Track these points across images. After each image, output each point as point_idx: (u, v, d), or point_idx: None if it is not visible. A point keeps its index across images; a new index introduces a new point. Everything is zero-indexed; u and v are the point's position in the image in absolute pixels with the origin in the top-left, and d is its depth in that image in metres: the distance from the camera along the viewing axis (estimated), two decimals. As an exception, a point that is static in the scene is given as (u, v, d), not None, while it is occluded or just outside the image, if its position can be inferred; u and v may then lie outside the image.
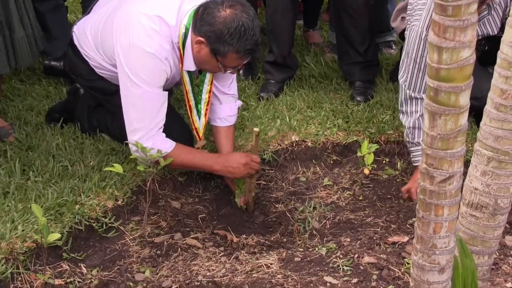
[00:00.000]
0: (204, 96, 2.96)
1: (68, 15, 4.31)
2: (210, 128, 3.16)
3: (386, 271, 2.48)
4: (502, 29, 2.97)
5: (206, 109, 3.00)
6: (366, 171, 3.03)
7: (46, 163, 2.98)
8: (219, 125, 3.07)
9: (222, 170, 2.87)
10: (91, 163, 3.01)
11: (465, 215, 1.95)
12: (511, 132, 1.79)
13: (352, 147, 3.30)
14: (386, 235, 2.73)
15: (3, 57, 3.11)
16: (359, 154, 3.01)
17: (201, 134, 3.04)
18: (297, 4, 3.84)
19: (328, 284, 2.42)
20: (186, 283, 2.45)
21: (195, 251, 2.66)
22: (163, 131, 2.82)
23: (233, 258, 2.61)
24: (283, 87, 3.83)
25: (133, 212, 2.87)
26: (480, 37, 2.92)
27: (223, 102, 3.08)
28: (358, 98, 3.66)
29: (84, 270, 2.51)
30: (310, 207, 2.95)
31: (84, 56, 3.06)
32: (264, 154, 3.23)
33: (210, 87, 2.97)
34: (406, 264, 2.49)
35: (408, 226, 2.79)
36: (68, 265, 2.51)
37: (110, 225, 2.73)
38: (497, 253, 2.55)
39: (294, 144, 3.31)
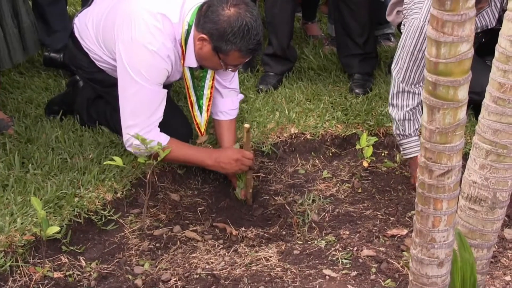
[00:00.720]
0: (206, 91, 2.97)
1: (67, 7, 4.29)
2: (210, 122, 3.16)
3: (385, 264, 2.48)
4: (500, 21, 2.96)
5: (208, 105, 3.00)
6: (365, 164, 3.03)
7: (45, 156, 2.98)
8: (221, 118, 3.07)
9: (214, 165, 2.88)
10: (90, 156, 3.01)
11: (464, 209, 1.96)
12: (509, 126, 1.79)
13: (351, 140, 3.30)
14: (385, 228, 2.74)
15: (5, 52, 3.11)
16: (358, 146, 3.01)
17: (203, 130, 3.04)
18: None
19: (327, 277, 2.43)
20: (185, 275, 2.45)
21: (194, 244, 2.67)
22: (163, 124, 2.83)
23: (232, 251, 2.62)
24: (282, 79, 3.83)
25: (132, 205, 2.88)
26: (478, 30, 2.91)
27: (225, 96, 3.08)
28: (357, 91, 3.66)
29: (83, 263, 2.51)
30: (309, 199, 2.95)
31: (85, 48, 3.05)
32: (263, 147, 3.23)
33: (212, 83, 2.97)
34: (405, 257, 2.50)
35: (407, 219, 2.79)
36: (67, 258, 2.52)
37: (109, 217, 2.74)
38: (496, 247, 2.56)
39: (293, 137, 3.31)
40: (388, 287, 2.36)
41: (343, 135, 3.32)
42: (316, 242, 2.66)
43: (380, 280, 2.39)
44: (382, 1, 4.10)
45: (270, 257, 2.56)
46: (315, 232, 2.74)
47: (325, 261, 2.53)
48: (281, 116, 3.41)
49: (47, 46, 3.93)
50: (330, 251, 2.58)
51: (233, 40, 2.62)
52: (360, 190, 3.03)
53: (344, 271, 2.46)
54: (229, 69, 2.81)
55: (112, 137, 3.17)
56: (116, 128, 3.14)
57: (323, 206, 2.91)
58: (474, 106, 3.06)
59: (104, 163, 2.82)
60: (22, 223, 2.51)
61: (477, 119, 1.90)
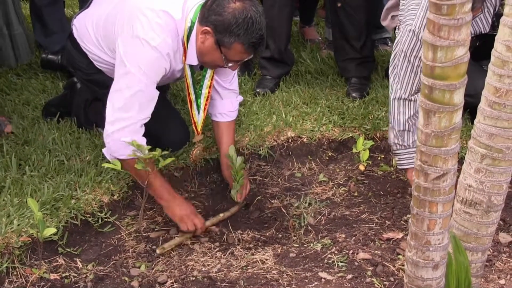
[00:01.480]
0: (204, 91, 2.97)
1: (65, 9, 4.30)
2: (208, 123, 3.16)
3: (381, 267, 2.49)
4: (493, 27, 2.98)
5: (206, 104, 3.00)
6: (362, 168, 3.04)
7: (42, 158, 2.98)
8: (220, 120, 3.07)
9: (165, 205, 2.76)
10: (87, 158, 3.01)
11: (459, 212, 1.97)
12: (504, 130, 1.80)
13: (348, 144, 3.31)
14: (381, 231, 2.75)
15: (10, 52, 3.11)
16: (354, 150, 3.02)
17: (199, 129, 3.04)
18: None
19: (323, 280, 2.43)
20: (182, 278, 2.46)
21: (191, 246, 2.67)
22: (160, 128, 2.82)
23: (229, 254, 2.62)
24: (279, 83, 3.84)
25: (129, 207, 2.88)
26: (472, 35, 2.93)
27: (224, 97, 3.08)
28: (354, 95, 3.67)
29: (80, 265, 2.52)
30: (305, 203, 2.96)
31: (84, 49, 3.05)
32: (260, 150, 3.24)
33: (211, 83, 2.97)
34: (401, 260, 2.51)
35: (403, 222, 2.80)
36: (64, 260, 2.52)
37: (106, 220, 2.74)
38: (491, 250, 2.57)
39: (290, 140, 3.31)
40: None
41: (339, 138, 3.33)
42: (312, 245, 2.67)
43: (376, 283, 2.40)
44: (384, 3, 4.11)
45: (266, 259, 2.56)
46: (311, 235, 2.74)
47: (321, 264, 2.54)
48: (278, 120, 3.42)
49: (44, 48, 3.94)
50: (326, 254, 2.59)
51: (236, 32, 2.62)
52: (356, 194, 3.04)
53: (339, 274, 2.46)
54: (230, 65, 2.78)
55: (109, 139, 3.17)
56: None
57: (319, 209, 2.92)
58: (470, 110, 3.08)
59: (102, 164, 2.81)
60: (18, 225, 2.52)
61: (472, 123, 1.91)
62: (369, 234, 2.72)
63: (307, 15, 4.53)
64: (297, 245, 2.68)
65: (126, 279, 2.46)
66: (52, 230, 2.35)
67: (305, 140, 3.31)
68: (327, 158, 3.30)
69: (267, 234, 2.77)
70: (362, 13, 3.70)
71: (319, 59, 4.14)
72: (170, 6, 2.74)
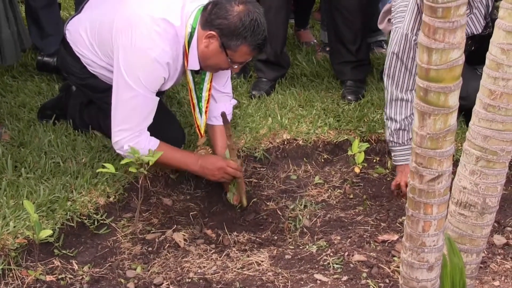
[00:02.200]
0: (204, 94, 2.99)
1: (61, 11, 4.30)
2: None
3: (376, 269, 2.50)
4: (486, 27, 3.01)
5: (206, 107, 3.03)
6: (357, 170, 3.05)
7: (38, 160, 2.98)
8: (215, 123, 3.09)
9: (198, 170, 2.91)
10: (83, 160, 3.01)
11: (454, 214, 1.98)
12: (499, 132, 1.81)
13: (343, 146, 3.32)
14: (376, 233, 2.76)
15: None
16: (349, 152, 3.02)
17: (202, 131, 3.06)
18: (290, 2, 3.85)
19: (318, 281, 2.44)
20: (177, 279, 2.46)
21: (186, 248, 2.68)
22: (157, 129, 2.83)
23: (224, 255, 2.63)
24: (275, 85, 3.85)
25: (125, 209, 2.88)
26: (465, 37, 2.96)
27: (218, 101, 3.10)
28: (349, 97, 3.68)
29: (76, 267, 2.52)
30: (301, 205, 2.97)
31: (77, 53, 3.05)
32: (256, 152, 3.24)
33: (210, 85, 2.99)
34: (396, 262, 2.52)
35: (398, 224, 2.81)
36: (60, 262, 2.52)
37: (101, 222, 2.74)
38: (485, 252, 2.58)
39: (285, 143, 3.32)
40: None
41: (335, 141, 3.34)
42: (307, 247, 2.67)
43: (371, 285, 2.41)
44: (380, 7, 4.13)
45: (262, 261, 2.57)
46: (307, 237, 2.75)
47: (317, 266, 2.54)
48: (274, 122, 3.42)
49: (40, 50, 3.93)
50: (322, 256, 2.60)
51: (244, 35, 2.65)
52: (351, 196, 3.05)
53: (335, 276, 2.47)
54: (235, 67, 2.82)
55: (105, 141, 3.18)
56: (109, 133, 3.14)
57: (314, 212, 2.93)
58: (465, 113, 3.09)
59: (97, 170, 2.82)
60: (14, 227, 2.52)
61: (467, 125, 1.92)
62: (365, 236, 2.73)
63: (302, 18, 4.54)
64: (293, 247, 2.68)
65: (122, 281, 2.46)
66: (48, 232, 2.36)
67: (300, 142, 3.32)
68: (322, 160, 3.31)
69: (263, 236, 2.77)
70: (358, 17, 3.71)
71: (315, 61, 4.15)
72: (168, 13, 2.75)
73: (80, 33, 3.01)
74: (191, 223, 2.86)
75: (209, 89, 2.99)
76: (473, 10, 2.92)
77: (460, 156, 1.95)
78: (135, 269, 2.53)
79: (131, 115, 2.79)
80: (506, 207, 2.93)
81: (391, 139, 2.95)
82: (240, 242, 2.72)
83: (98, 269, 2.52)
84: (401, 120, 2.91)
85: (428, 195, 1.74)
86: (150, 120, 2.83)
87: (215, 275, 2.49)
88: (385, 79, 2.92)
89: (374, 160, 3.29)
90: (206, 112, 3.03)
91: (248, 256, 2.61)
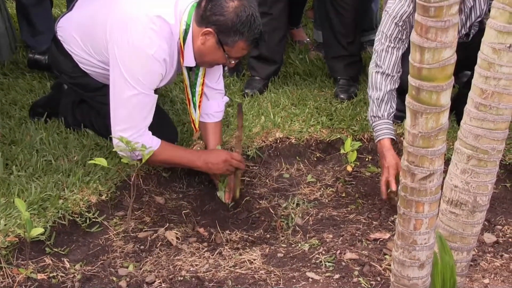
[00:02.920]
0: (198, 88, 3.00)
1: (52, 9, 4.28)
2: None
3: (368, 267, 2.51)
4: (467, 35, 3.06)
5: (200, 101, 3.03)
6: (349, 169, 3.06)
7: (29, 158, 2.97)
8: (207, 121, 3.09)
9: (203, 166, 2.91)
10: (75, 158, 3.01)
11: (445, 212, 1.99)
12: (490, 131, 1.82)
13: (336, 145, 3.33)
14: (368, 231, 2.77)
15: None
16: (342, 151, 3.03)
17: (197, 126, 3.07)
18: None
19: (310, 279, 2.45)
20: (170, 278, 2.46)
21: (179, 247, 2.67)
22: (149, 127, 2.83)
23: (217, 254, 2.63)
24: (267, 84, 3.85)
25: (117, 207, 2.88)
26: None
27: (211, 98, 3.10)
28: (342, 96, 3.69)
29: (67, 265, 2.51)
30: (293, 203, 2.97)
31: (68, 51, 3.04)
32: (249, 151, 3.25)
33: (203, 80, 3.00)
34: (387, 260, 2.53)
35: (390, 223, 2.82)
36: (51, 260, 2.51)
37: (93, 220, 2.73)
38: (476, 250, 2.60)
39: (278, 141, 3.33)
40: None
41: (327, 140, 3.34)
42: (299, 245, 2.68)
43: (363, 283, 2.42)
44: (373, 8, 4.16)
45: (254, 259, 2.57)
46: (299, 236, 2.76)
47: (309, 264, 2.55)
48: (267, 121, 3.43)
49: (31, 48, 3.92)
50: (314, 254, 2.60)
51: (241, 30, 2.66)
52: (343, 195, 3.06)
53: (327, 274, 2.48)
54: (232, 62, 2.83)
55: (97, 139, 3.17)
56: (101, 131, 3.14)
57: (307, 210, 2.93)
58: (457, 112, 3.11)
59: (89, 162, 2.82)
60: (5, 225, 2.51)
61: (459, 125, 1.93)
62: (357, 234, 2.74)
63: (295, 17, 4.53)
64: (285, 245, 2.69)
65: (114, 279, 2.45)
66: (40, 230, 2.34)
67: (293, 141, 3.33)
68: (315, 159, 3.32)
69: (255, 235, 2.77)
70: (351, 11, 3.73)
71: (308, 60, 4.15)
72: (162, 10, 2.75)
73: (72, 32, 3.00)
74: (184, 221, 2.86)
75: (202, 84, 3.00)
76: (460, 15, 2.96)
77: (451, 155, 1.96)
78: (127, 267, 2.52)
79: (132, 113, 2.78)
80: (497, 206, 2.94)
81: (372, 114, 2.99)
82: (233, 241, 2.72)
83: (90, 267, 2.52)
84: (385, 93, 2.96)
85: (419, 194, 1.75)
86: (150, 119, 2.82)
87: (208, 273, 2.49)
88: (373, 52, 3.04)
89: (367, 159, 3.30)
90: (199, 106, 3.04)
91: (240, 255, 2.61)
